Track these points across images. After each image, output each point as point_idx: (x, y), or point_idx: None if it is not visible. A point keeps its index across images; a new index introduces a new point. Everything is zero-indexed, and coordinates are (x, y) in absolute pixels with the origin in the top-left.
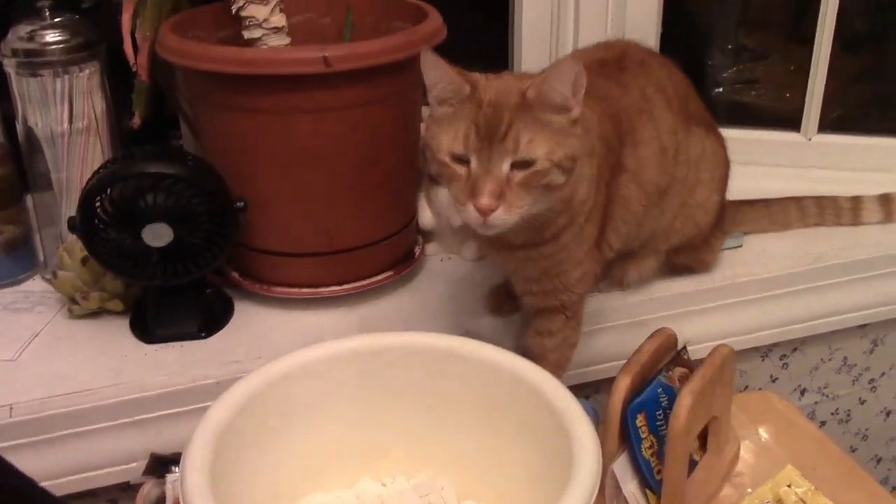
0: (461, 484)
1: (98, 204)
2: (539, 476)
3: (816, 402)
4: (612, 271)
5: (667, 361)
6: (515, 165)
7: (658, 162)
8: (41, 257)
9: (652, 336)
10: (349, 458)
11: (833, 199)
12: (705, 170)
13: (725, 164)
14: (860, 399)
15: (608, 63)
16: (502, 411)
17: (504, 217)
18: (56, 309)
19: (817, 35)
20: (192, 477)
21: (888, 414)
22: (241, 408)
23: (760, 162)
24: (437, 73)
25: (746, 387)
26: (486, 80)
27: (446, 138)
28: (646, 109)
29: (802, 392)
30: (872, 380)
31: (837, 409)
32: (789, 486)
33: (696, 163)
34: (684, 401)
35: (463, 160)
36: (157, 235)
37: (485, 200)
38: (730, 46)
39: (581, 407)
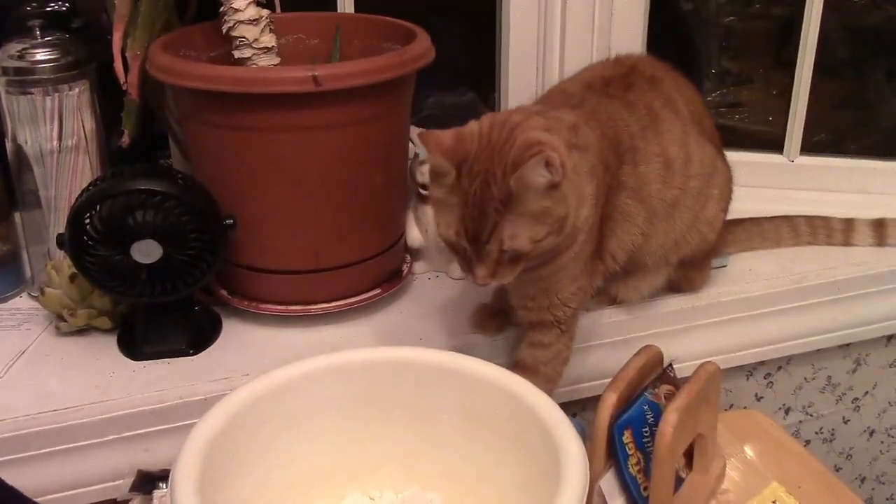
0: (450, 498)
1: (87, 221)
2: (527, 490)
3: (801, 422)
4: (619, 287)
5: (653, 379)
6: (503, 251)
7: (662, 177)
8: (28, 275)
9: (638, 353)
10: (337, 473)
11: (825, 220)
12: (716, 186)
13: (731, 186)
14: (844, 418)
15: (612, 81)
16: (491, 425)
17: (500, 283)
18: (43, 326)
19: (799, 58)
20: (182, 490)
21: (872, 433)
22: (230, 422)
23: (744, 183)
24: (429, 155)
25: (732, 405)
26: (478, 146)
27: (442, 226)
28: (650, 125)
29: (787, 411)
30: (856, 399)
31: (822, 429)
32: (774, 502)
33: (709, 178)
34: (670, 417)
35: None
36: (146, 253)
37: (479, 280)
38: (714, 71)
39: (569, 421)
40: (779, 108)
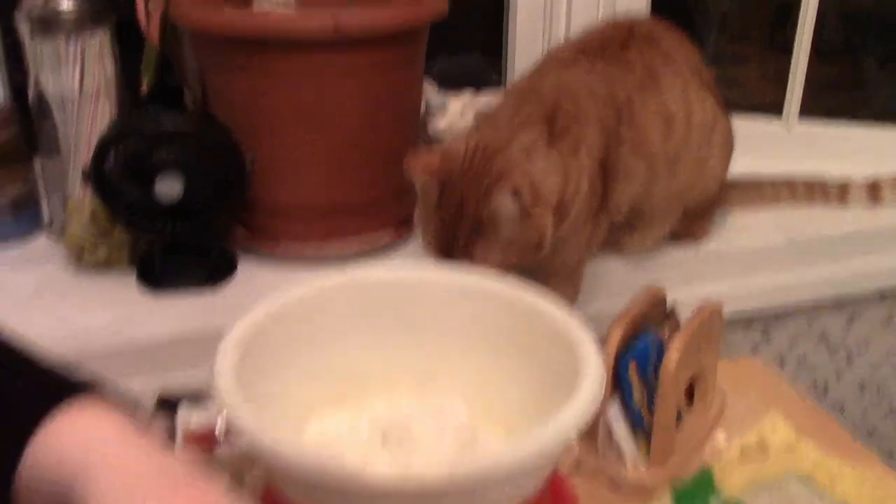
0: (473, 406)
1: (112, 155)
2: (546, 392)
3: (795, 374)
4: (625, 238)
5: (656, 318)
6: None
7: (662, 132)
8: (47, 218)
9: (642, 293)
10: (363, 383)
11: (822, 182)
12: (717, 141)
13: (732, 137)
14: (837, 373)
15: (609, 44)
16: (510, 337)
17: None
18: (63, 264)
19: (798, 28)
20: (223, 363)
21: (863, 388)
22: (270, 319)
23: (741, 149)
24: (414, 176)
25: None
26: (460, 169)
27: (424, 232)
28: (648, 84)
29: (782, 364)
30: (849, 354)
31: (815, 382)
32: (773, 431)
33: (710, 130)
34: (676, 344)
35: None
36: (168, 188)
37: None
38: (710, 52)
39: (584, 326)
40: (776, 88)
